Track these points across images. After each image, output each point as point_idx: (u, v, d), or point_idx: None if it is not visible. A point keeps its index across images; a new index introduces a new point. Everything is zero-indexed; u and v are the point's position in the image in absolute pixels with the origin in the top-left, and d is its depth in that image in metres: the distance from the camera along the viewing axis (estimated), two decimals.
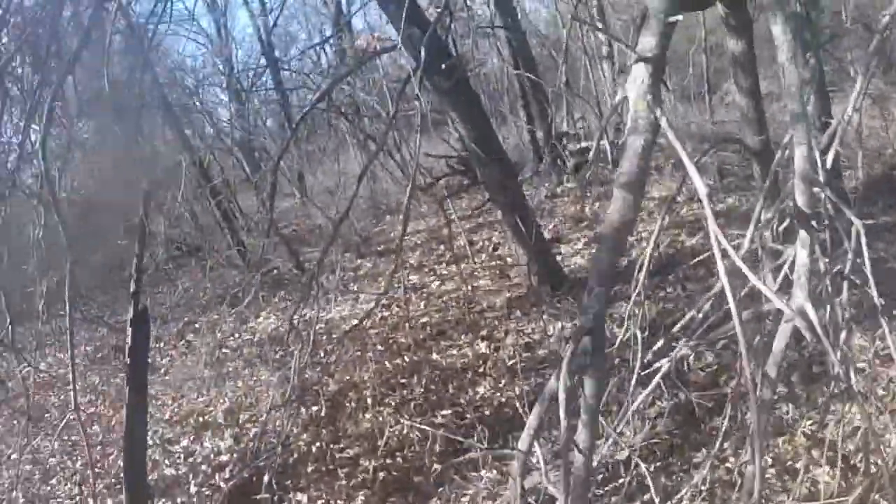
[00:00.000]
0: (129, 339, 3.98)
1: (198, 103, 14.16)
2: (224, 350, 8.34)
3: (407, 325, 7.16)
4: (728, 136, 6.65)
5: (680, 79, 17.35)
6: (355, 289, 9.02)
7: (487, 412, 5.40)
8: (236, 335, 8.69)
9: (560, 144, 11.67)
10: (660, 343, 3.49)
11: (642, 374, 4.09)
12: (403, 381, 6.10)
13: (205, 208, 12.60)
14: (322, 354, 7.01)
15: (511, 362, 6.01)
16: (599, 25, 13.77)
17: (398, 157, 13.35)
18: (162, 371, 8.37)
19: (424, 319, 7.25)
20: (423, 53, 4.68)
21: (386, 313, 7.70)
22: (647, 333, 5.05)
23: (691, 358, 5.25)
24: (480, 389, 5.72)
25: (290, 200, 14.40)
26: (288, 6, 21.14)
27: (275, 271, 10.90)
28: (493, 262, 8.53)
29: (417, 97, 4.32)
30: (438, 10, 6.13)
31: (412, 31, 5.68)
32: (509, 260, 8.49)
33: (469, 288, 7.60)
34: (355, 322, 7.48)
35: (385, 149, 12.62)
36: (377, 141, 12.61)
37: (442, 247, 9.74)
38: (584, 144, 12.08)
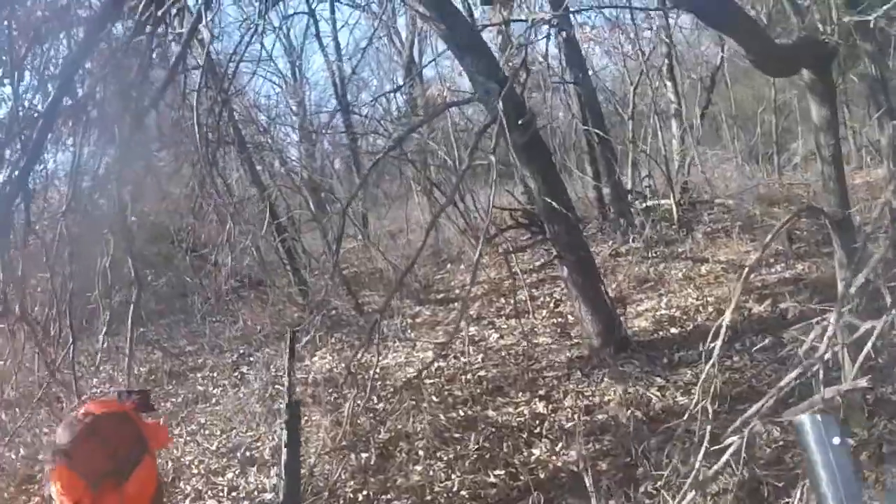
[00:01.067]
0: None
1: (269, 141, 14.40)
2: (277, 386, 8.28)
3: (464, 377, 6.99)
4: (810, 206, 6.38)
5: (748, 139, 17.02)
6: (412, 336, 8.89)
7: (542, 475, 5.17)
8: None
9: (626, 202, 11.49)
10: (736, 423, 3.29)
11: (710, 448, 3.89)
12: (457, 435, 5.90)
13: (269, 244, 12.73)
14: (376, 400, 6.89)
15: (569, 425, 5.79)
16: (668, 83, 13.70)
17: (461, 206, 13.33)
18: (213, 401, 8.32)
19: (482, 373, 7.07)
20: (500, 107, 4.62)
21: (443, 363, 7.55)
22: (716, 405, 4.82)
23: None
24: (536, 451, 5.50)
25: (353, 242, 14.45)
26: (365, 55, 21.64)
27: (333, 312, 10.86)
28: (555, 320, 8.33)
29: (494, 150, 4.25)
30: (511, 64, 6.10)
31: (489, 85, 5.65)
32: (571, 318, 8.28)
33: (529, 344, 7.41)
34: (412, 371, 7.40)
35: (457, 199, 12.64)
36: (447, 192, 12.64)
37: (503, 300, 9.58)
38: (650, 203, 11.86)
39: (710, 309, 7.82)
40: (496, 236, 11.66)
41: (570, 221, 6.35)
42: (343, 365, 8.35)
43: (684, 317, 7.75)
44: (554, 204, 6.02)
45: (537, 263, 10.99)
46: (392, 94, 10.89)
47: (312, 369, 8.62)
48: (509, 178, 19.11)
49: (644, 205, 11.72)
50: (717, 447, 3.76)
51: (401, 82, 12.29)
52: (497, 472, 5.28)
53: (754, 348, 6.52)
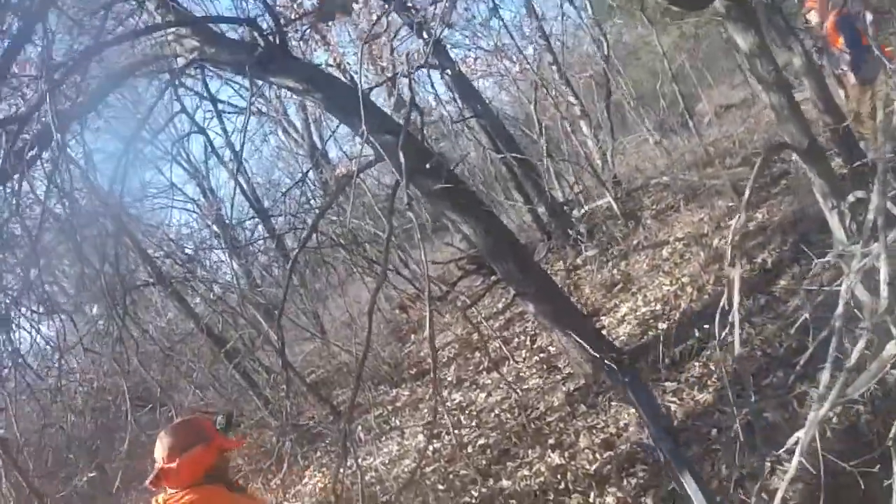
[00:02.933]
0: None
1: (200, 270, 13.50)
2: None
3: (464, 452, 6.14)
4: (777, 143, 5.79)
5: (656, 115, 16.70)
6: (397, 424, 8.00)
7: None
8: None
9: (565, 215, 10.89)
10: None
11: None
12: None
13: (225, 374, 11.75)
14: None
15: (593, 468, 4.98)
16: (564, 88, 13.33)
17: (406, 272, 12.57)
18: None
19: (482, 441, 6.21)
20: (402, 158, 3.93)
21: (437, 444, 6.69)
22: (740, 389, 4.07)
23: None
24: None
25: (311, 343, 13.54)
26: (265, 157, 21.00)
27: (310, 423, 9.90)
28: (537, 357, 7.54)
29: (409, 205, 3.54)
30: (402, 112, 5.43)
31: (384, 139, 4.97)
32: (552, 350, 7.54)
33: (520, 393, 6.60)
34: (409, 463, 6.54)
35: (391, 268, 11.87)
36: (380, 265, 11.89)
37: (476, 354, 8.79)
38: (588, 207, 11.30)
39: (689, 290, 7.14)
40: (447, 294, 10.95)
41: (519, 253, 5.65)
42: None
43: (667, 307, 7.05)
44: (488, 246, 5.33)
45: (500, 305, 10.26)
46: (301, 185, 10.08)
47: (304, 493, 7.66)
48: (444, 230, 18.55)
49: (582, 210, 11.15)
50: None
51: (308, 172, 11.55)
52: None
53: (751, 315, 5.87)
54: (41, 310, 7.03)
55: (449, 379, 8.50)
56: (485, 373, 7.94)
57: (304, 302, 14.24)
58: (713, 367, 5.39)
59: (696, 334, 5.90)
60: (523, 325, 8.85)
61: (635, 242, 9.55)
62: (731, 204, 8.73)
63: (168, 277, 10.59)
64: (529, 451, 5.61)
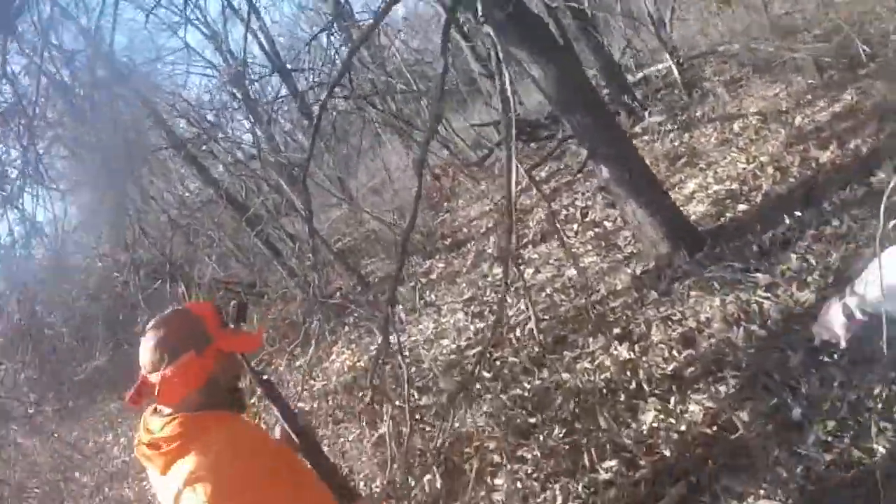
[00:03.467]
0: None
1: (220, 135, 12.59)
2: (300, 404, 6.75)
3: (513, 336, 5.41)
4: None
5: None
6: (432, 299, 7.30)
7: (670, 451, 3.60)
8: (310, 382, 7.06)
9: (621, 76, 9.76)
10: None
11: None
12: (533, 420, 4.35)
13: (248, 243, 11.08)
14: (416, 396, 5.32)
15: (670, 367, 4.22)
16: None
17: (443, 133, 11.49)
18: None
19: (531, 325, 5.46)
20: None
21: (480, 324, 5.99)
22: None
23: None
24: (646, 417, 3.90)
25: (337, 210, 12.80)
26: (289, 14, 19.62)
27: (338, 295, 9.26)
28: (591, 232, 6.70)
29: (485, 20, 2.59)
30: None
31: None
32: (608, 224, 6.69)
33: (581, 270, 5.74)
34: (447, 344, 5.87)
35: (419, 127, 10.92)
36: (420, 124, 10.89)
37: (519, 224, 7.97)
38: (645, 71, 10.14)
39: (770, 171, 6.17)
40: (485, 158, 10.05)
41: (596, 105, 4.67)
42: (366, 358, 6.83)
43: (745, 187, 6.10)
44: (563, 94, 4.34)
45: (543, 173, 9.34)
46: (328, 33, 8.94)
47: (332, 372, 7.07)
48: (477, 94, 17.31)
49: (639, 75, 10.00)
50: None
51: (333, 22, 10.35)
52: (608, 463, 3.72)
53: (850, 207, 4.94)
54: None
55: (489, 251, 7.73)
56: (531, 246, 7.13)
57: (331, 167, 13.39)
58: (814, 262, 4.52)
59: (787, 221, 5.01)
60: (571, 197, 7.98)
61: (699, 113, 8.50)
62: (811, 81, 7.62)
63: (183, 141, 9.68)
64: (591, 341, 4.85)
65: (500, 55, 2.96)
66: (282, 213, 11.62)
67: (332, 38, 10.23)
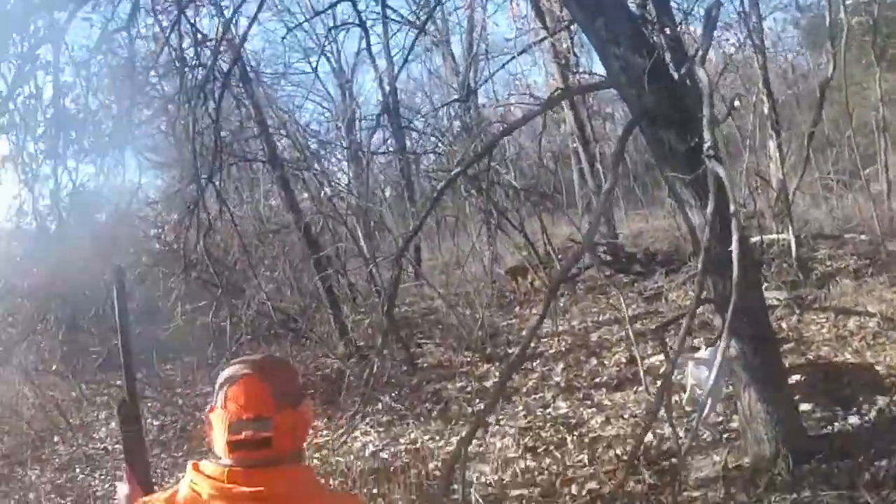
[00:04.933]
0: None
1: (316, 166, 12.30)
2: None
3: (567, 490, 4.65)
4: None
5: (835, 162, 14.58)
6: (480, 410, 6.57)
7: None
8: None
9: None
10: None
11: None
12: None
13: (310, 279, 10.58)
14: None
15: None
16: (763, 96, 11.32)
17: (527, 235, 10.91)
18: None
19: (591, 485, 4.68)
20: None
21: (532, 463, 5.23)
22: None
23: None
24: None
25: (404, 277, 12.24)
26: (414, 78, 19.72)
27: (378, 366, 8.57)
28: (676, 398, 5.91)
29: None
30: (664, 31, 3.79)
31: (632, 59, 3.43)
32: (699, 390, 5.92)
33: (666, 443, 4.95)
34: (486, 471, 5.14)
35: (516, 225, 10.40)
36: (515, 220, 10.37)
37: (593, 360, 7.25)
38: (764, 237, 9.43)
39: (887, 383, 5.39)
40: (577, 275, 9.38)
41: (749, 273, 4.00)
42: (392, 449, 6.14)
43: (859, 396, 5.30)
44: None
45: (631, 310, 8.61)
46: (447, 110, 8.58)
47: (353, 450, 6.35)
48: (571, 206, 16.81)
49: (755, 239, 9.29)
50: None
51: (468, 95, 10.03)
52: None
53: None
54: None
55: (555, 379, 7.00)
56: (605, 391, 6.38)
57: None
58: None
59: None
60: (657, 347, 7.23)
61: (812, 297, 7.77)
62: None
63: (281, 159, 9.33)
64: None
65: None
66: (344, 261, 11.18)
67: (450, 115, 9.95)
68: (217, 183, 6.36)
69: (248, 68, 9.95)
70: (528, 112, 5.20)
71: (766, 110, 11.38)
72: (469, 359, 8.12)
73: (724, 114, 6.35)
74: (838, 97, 16.79)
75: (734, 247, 2.67)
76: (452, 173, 5.03)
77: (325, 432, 6.71)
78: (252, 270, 8.98)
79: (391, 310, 4.10)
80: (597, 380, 6.65)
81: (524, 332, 8.86)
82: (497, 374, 7.52)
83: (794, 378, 5.94)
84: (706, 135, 2.92)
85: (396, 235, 12.75)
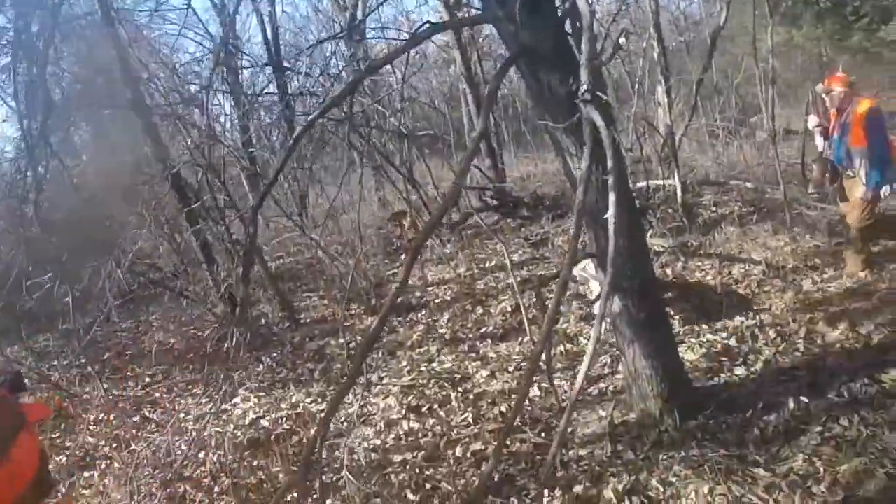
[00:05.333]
0: None
1: (196, 110, 11.36)
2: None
3: (451, 451, 4.42)
4: None
5: (723, 109, 14.89)
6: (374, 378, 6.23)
7: None
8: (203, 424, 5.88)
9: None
10: None
11: None
12: None
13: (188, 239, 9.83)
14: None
15: None
16: (654, 42, 11.27)
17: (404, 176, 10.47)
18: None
19: (475, 446, 4.47)
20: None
21: (416, 425, 4.97)
22: None
23: None
24: None
25: (287, 227, 11.66)
26: (300, 15, 18.69)
27: (262, 322, 8.11)
28: (561, 348, 5.77)
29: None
30: None
31: None
32: (583, 339, 5.81)
33: (556, 399, 4.77)
34: (371, 435, 4.84)
35: (398, 167, 9.98)
36: (399, 165, 9.98)
37: (479, 309, 7.03)
38: (650, 182, 9.42)
39: (772, 334, 5.40)
40: (464, 220, 9.11)
41: (634, 225, 3.79)
42: (273, 415, 5.75)
43: (743, 346, 5.26)
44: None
45: (516, 256, 8.46)
46: (330, 46, 8.01)
47: (232, 418, 5.93)
48: (461, 148, 16.48)
49: (640, 184, 9.28)
50: None
51: (344, 32, 9.42)
52: None
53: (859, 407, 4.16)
54: None
55: (440, 330, 6.74)
56: (490, 342, 6.18)
57: (294, 179, 12.32)
58: (822, 470, 3.68)
59: (791, 405, 4.22)
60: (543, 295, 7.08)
61: (696, 243, 7.80)
62: (821, 244, 7.01)
63: (142, 103, 8.43)
64: (545, 494, 3.89)
65: None
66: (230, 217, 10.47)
67: (336, 49, 9.33)
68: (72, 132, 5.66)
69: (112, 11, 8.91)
70: (392, 50, 4.77)
71: (655, 56, 11.31)
72: (353, 312, 7.75)
73: (609, 54, 6.11)
74: (730, 47, 17.15)
75: (611, 209, 2.36)
76: (310, 116, 4.58)
77: (204, 400, 6.23)
78: (110, 223, 8.19)
79: (248, 270, 3.65)
80: (482, 330, 6.44)
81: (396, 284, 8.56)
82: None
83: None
84: (583, 75, 2.60)
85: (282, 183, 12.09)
